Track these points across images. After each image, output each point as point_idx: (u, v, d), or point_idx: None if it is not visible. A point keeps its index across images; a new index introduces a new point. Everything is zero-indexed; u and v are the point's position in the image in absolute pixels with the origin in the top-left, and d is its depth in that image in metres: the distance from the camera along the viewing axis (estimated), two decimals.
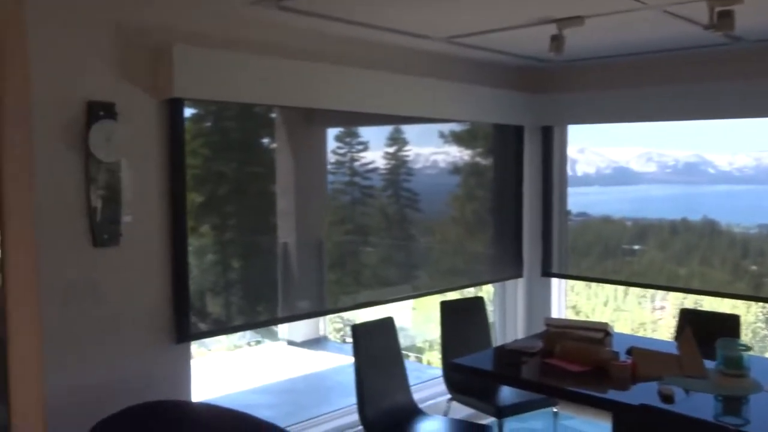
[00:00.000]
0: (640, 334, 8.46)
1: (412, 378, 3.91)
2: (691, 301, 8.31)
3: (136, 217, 2.99)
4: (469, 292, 6.56)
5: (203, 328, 3.40)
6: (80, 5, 2.80)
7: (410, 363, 7.26)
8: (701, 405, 2.85)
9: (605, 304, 9.31)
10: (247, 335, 8.02)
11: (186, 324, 3.16)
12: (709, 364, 3.11)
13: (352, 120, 4.02)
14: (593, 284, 9.33)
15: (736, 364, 3.01)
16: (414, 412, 3.70)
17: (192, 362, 3.31)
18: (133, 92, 2.97)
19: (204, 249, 3.38)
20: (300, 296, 3.83)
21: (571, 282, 5.42)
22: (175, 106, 3.09)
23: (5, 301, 2.95)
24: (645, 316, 9.02)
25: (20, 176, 2.78)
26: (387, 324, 3.78)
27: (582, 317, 8.97)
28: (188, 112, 3.23)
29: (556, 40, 3.41)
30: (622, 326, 8.83)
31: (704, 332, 3.36)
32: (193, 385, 3.28)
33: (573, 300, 9.18)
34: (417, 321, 8.51)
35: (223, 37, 3.26)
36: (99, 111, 2.83)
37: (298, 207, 3.82)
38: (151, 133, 3.05)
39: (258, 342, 7.82)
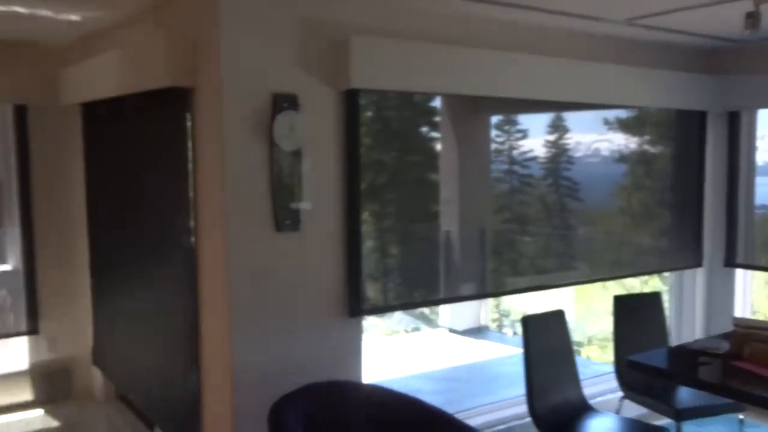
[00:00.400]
0: None
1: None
2: None
3: (314, 204, 3.11)
4: (631, 285, 6.26)
5: (373, 305, 3.53)
6: (268, 0, 2.93)
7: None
8: None
9: None
10: (405, 321, 8.16)
11: (358, 302, 3.25)
12: None
13: (514, 107, 3.94)
14: None
15: None
16: (585, 408, 3.59)
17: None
18: (314, 84, 3.07)
19: (367, 234, 3.44)
20: (462, 281, 3.83)
21: (748, 279, 5.01)
22: (351, 96, 3.17)
23: (198, 281, 3.18)
24: None
25: (213, 164, 2.98)
26: (557, 316, 3.69)
27: (759, 317, 8.31)
28: (368, 104, 3.32)
29: (752, 17, 3.12)
30: None
31: None
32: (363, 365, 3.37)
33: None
34: (577, 315, 8.28)
35: (396, 27, 3.29)
36: (283, 102, 2.96)
37: (462, 196, 3.81)
38: (329, 123, 3.15)
39: (415, 329, 7.93)
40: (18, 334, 4.66)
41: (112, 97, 3.70)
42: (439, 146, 3.78)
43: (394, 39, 3.23)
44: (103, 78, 3.76)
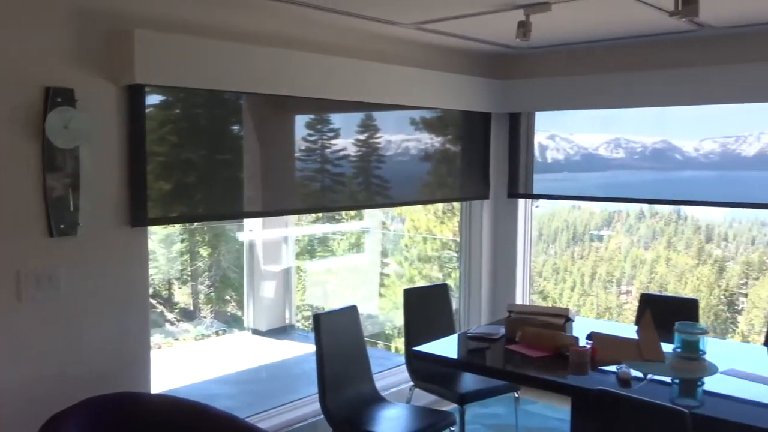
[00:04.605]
0: (606, 318, 8.59)
1: (378, 366, 3.89)
2: (656, 285, 8.46)
3: (95, 205, 2.94)
4: (437, 278, 6.54)
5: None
6: None
7: (377, 351, 7.30)
8: (659, 388, 2.90)
9: (572, 289, 9.43)
10: (215, 325, 7.99)
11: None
12: (669, 347, 3.16)
13: (321, 107, 3.97)
14: (561, 270, 9.47)
15: (692, 348, 3.07)
16: (376, 400, 3.71)
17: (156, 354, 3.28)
18: (92, 78, 2.91)
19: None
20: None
21: (538, 267, 5.48)
22: (135, 92, 3.03)
23: None
24: (611, 300, 9.17)
25: None
26: (350, 312, 3.78)
27: (550, 303, 9.09)
28: (156, 98, 3.18)
29: (523, 27, 3.40)
30: (588, 311, 8.96)
31: (664, 316, 3.41)
32: (154, 377, 3.25)
33: (541, 285, 9.29)
34: (385, 308, 8.55)
35: (184, 19, 3.20)
36: (57, 97, 2.77)
37: (265, 193, 3.78)
38: (112, 119, 2.99)
39: (224, 331, 7.79)
40: None
41: None
42: (243, 145, 3.71)
43: (181, 34, 3.13)
44: None
